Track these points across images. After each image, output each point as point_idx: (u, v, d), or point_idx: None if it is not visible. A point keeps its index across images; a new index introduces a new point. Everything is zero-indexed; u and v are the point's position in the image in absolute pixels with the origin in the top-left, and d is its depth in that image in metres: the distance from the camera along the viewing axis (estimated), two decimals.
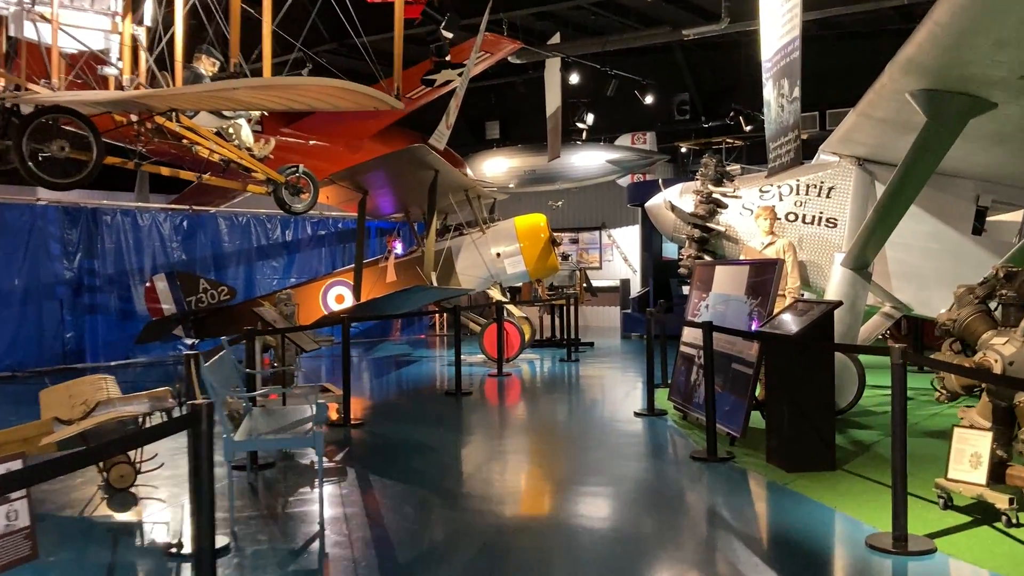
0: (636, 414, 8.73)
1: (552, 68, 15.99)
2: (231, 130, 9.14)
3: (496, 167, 20.15)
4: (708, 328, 6.79)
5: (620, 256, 21.33)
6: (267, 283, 16.31)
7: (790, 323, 6.39)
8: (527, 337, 14.34)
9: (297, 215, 9.92)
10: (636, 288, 20.02)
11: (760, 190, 9.49)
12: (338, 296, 14.09)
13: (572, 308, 14.87)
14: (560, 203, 20.70)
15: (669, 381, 10.21)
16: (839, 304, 6.28)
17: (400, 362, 14.42)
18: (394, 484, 6.26)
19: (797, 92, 6.03)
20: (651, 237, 18.05)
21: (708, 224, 9.48)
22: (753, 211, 9.25)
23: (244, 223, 16.22)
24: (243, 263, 16.19)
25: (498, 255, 13.52)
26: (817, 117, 18.63)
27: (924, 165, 6.28)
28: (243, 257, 16.19)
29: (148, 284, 13.53)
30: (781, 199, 9.33)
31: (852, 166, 8.95)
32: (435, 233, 14.36)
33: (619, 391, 11.18)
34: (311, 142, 15.17)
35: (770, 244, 8.86)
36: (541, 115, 17.36)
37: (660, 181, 10.04)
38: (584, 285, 17.10)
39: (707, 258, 9.55)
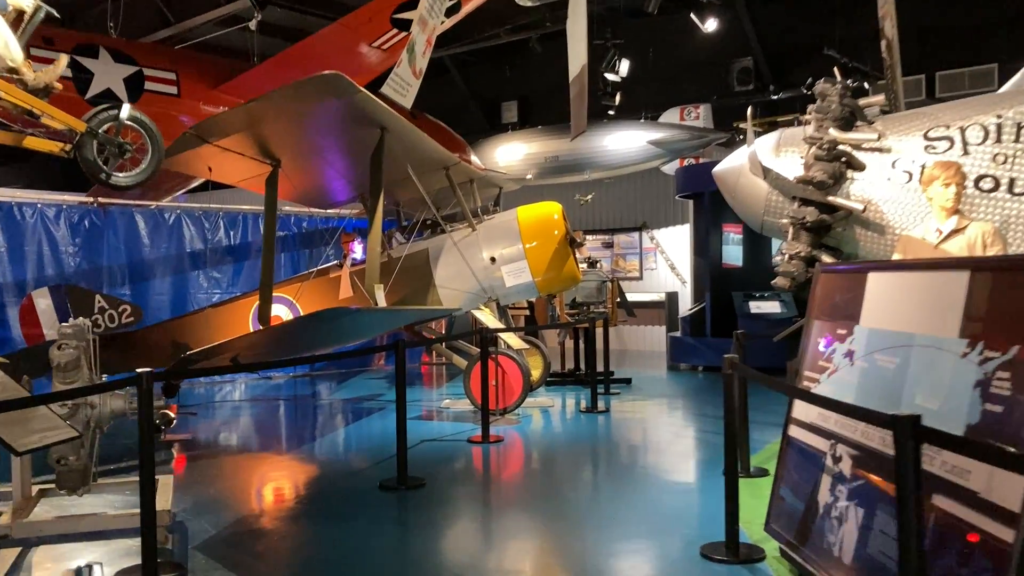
0: (705, 556, 4.58)
1: (576, 9, 11.89)
2: None
3: (511, 154, 16.18)
4: (910, 429, 2.64)
5: (665, 263, 17.13)
6: (204, 298, 12.50)
7: None
8: (536, 375, 10.29)
9: (121, 190, 5.95)
10: (686, 304, 15.80)
11: (925, 136, 5.32)
12: (275, 317, 10.14)
13: (602, 332, 10.76)
14: (590, 197, 16.50)
15: (754, 470, 6.10)
16: None
17: (358, 411, 10.38)
18: None
19: None
20: (707, 238, 13.74)
21: (832, 199, 5.32)
22: (918, 174, 5.10)
23: (173, 221, 12.44)
24: (171, 273, 12.42)
25: (492, 260, 9.44)
26: (923, 82, 14.51)
27: None
28: (171, 265, 12.42)
29: (25, 301, 9.97)
30: (966, 151, 5.15)
31: None
32: (416, 228, 10.40)
33: (670, 483, 6.81)
34: None
35: (956, 232, 4.68)
36: (566, 91, 13.13)
37: (749, 118, 5.80)
38: (618, 300, 12.96)
39: (827, 260, 5.39)
